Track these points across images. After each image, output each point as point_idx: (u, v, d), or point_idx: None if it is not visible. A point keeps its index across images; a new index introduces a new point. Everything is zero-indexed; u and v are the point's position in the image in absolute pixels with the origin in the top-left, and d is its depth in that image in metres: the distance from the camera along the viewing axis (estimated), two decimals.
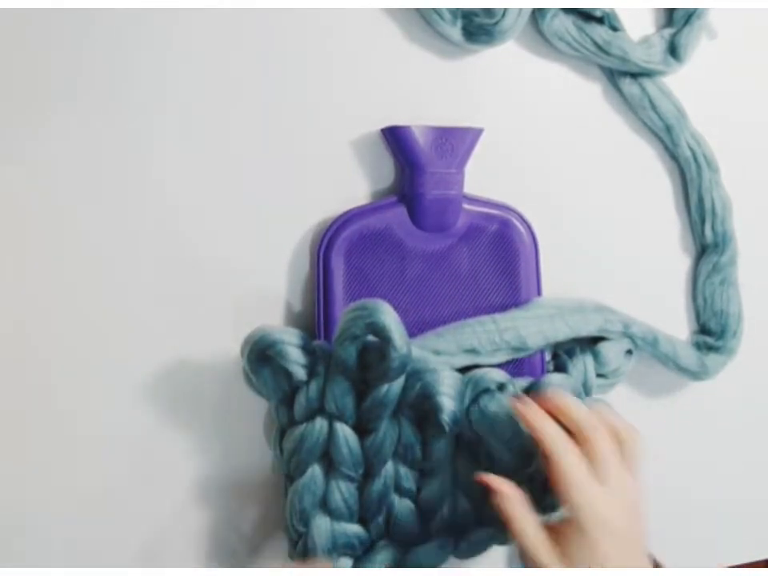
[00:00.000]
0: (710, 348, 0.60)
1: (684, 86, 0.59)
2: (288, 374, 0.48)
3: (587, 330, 0.54)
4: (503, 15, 0.53)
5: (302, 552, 0.49)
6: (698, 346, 0.60)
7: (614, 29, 0.56)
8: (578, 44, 0.56)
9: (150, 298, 0.50)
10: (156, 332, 0.50)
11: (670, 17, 0.59)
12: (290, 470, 0.49)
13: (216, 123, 0.51)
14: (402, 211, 0.53)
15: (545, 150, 0.58)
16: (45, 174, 0.48)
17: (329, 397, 0.48)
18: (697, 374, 0.59)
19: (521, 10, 0.53)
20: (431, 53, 0.55)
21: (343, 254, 0.52)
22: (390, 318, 0.45)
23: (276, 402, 0.50)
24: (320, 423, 0.48)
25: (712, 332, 0.61)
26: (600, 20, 0.56)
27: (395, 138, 0.52)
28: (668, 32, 0.58)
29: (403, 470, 0.50)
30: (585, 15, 0.56)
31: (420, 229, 0.53)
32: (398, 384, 0.47)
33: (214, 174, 0.51)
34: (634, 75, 0.58)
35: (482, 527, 0.51)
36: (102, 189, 0.49)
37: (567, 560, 0.44)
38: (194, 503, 0.52)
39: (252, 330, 0.49)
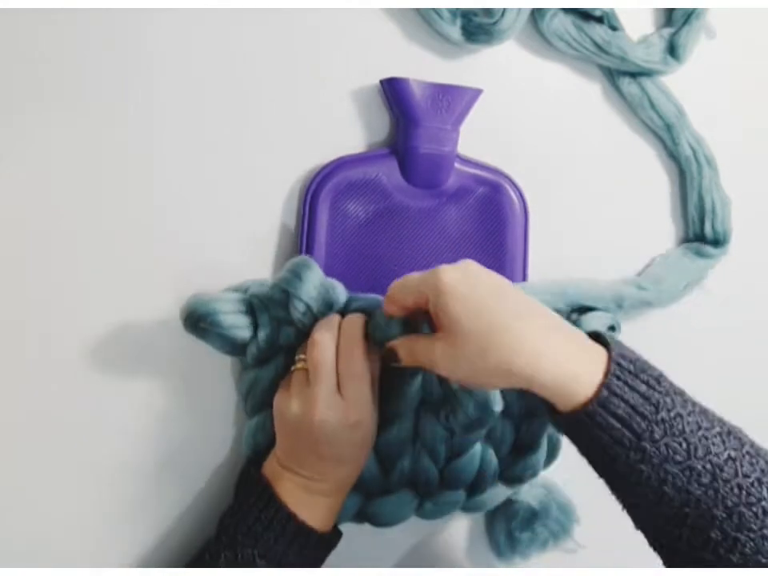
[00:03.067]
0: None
1: (683, 85, 0.59)
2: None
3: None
4: (502, 15, 0.53)
5: None
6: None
7: (614, 28, 0.57)
8: (578, 43, 0.56)
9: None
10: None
11: (669, 16, 0.59)
12: (246, 410, 0.50)
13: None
14: (393, 164, 0.52)
15: (544, 150, 0.58)
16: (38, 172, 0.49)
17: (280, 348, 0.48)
18: None
19: (520, 9, 0.54)
20: (431, 52, 0.55)
21: (330, 200, 0.51)
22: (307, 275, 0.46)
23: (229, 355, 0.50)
24: (273, 366, 0.49)
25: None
26: (599, 19, 0.56)
27: (392, 89, 0.52)
28: (667, 32, 0.58)
29: None
30: (584, 15, 0.56)
31: (410, 183, 0.53)
32: None
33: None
34: (634, 75, 0.58)
35: (448, 490, 0.52)
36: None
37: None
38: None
39: (186, 301, 0.47)
